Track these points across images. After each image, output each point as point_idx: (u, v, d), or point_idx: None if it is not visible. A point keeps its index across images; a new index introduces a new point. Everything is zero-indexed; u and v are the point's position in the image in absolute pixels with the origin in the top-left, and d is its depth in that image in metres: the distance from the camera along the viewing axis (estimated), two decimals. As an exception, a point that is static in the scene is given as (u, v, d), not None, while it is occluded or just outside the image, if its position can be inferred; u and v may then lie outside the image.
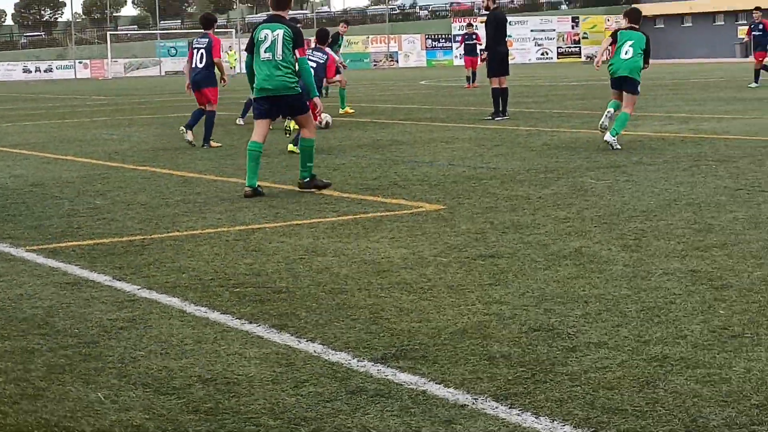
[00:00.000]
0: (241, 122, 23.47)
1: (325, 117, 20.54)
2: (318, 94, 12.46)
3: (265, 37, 12.17)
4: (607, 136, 15.93)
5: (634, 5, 18.45)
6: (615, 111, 16.16)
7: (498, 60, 23.16)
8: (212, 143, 18.71)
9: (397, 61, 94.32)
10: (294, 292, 7.30)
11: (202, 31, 19.08)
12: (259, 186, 12.23)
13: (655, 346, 5.74)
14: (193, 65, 18.71)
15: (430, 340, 6.02)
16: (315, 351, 5.87)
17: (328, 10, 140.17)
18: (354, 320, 6.48)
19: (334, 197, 11.82)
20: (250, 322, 6.50)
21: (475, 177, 13.18)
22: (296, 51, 12.10)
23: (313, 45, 21.08)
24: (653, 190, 11.60)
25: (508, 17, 24.05)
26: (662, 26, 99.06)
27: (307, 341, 6.06)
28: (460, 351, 5.78)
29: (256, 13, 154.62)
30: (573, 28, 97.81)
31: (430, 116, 24.88)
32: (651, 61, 16.60)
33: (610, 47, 17.11)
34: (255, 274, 7.89)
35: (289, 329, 6.32)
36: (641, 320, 6.28)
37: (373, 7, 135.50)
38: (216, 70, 18.77)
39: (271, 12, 12.47)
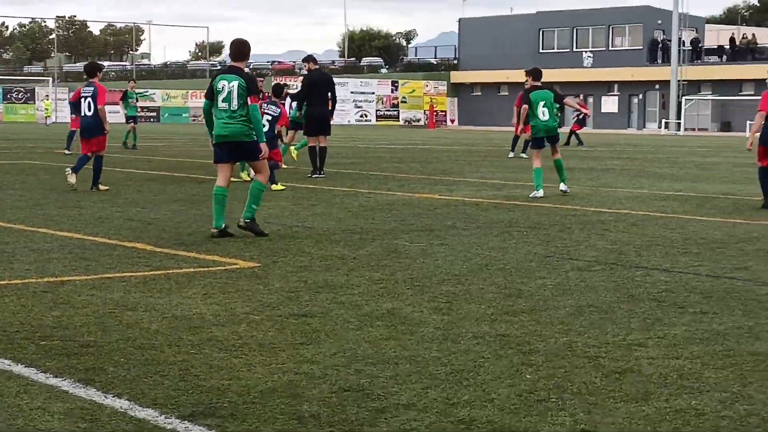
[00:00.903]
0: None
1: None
2: (265, 140, 13.25)
3: (222, 87, 12.90)
4: (561, 186, 19.58)
5: (535, 67, 20.01)
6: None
7: (313, 120, 23.38)
8: (100, 186, 19.43)
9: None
10: (102, 346, 7.16)
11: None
12: (226, 226, 12.87)
13: (462, 409, 5.80)
14: (83, 113, 19.44)
15: (240, 398, 5.97)
16: (122, 407, 5.76)
17: (149, 63, 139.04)
18: (163, 376, 6.39)
19: (147, 251, 11.67)
20: (56, 376, 6.35)
21: (290, 235, 13.18)
22: (248, 99, 12.80)
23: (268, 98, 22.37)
24: (466, 254, 11.77)
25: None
26: (479, 94, 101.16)
27: (113, 397, 5.95)
28: (269, 410, 5.74)
29: (75, 62, 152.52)
30: (392, 91, 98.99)
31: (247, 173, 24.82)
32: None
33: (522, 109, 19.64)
34: (62, 327, 7.72)
35: (96, 384, 6.19)
36: (450, 383, 6.34)
37: (194, 62, 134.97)
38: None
39: (230, 63, 13.27)
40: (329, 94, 23.95)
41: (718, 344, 7.47)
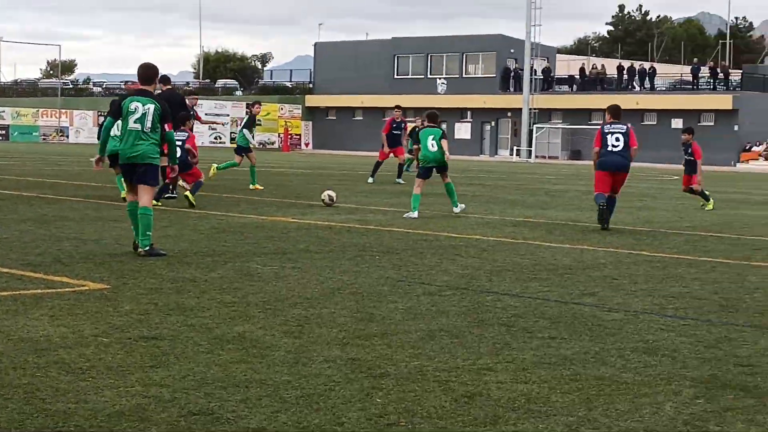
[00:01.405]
0: None
1: (328, 194, 22.89)
2: (177, 162, 14.17)
3: (135, 108, 13.26)
4: (455, 209, 21.81)
5: (432, 109, 23.05)
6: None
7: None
8: None
9: (68, 137, 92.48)
10: (-56, 369, 6.98)
11: None
12: (152, 245, 13.23)
13: (313, 433, 5.79)
14: None
15: (86, 422, 5.87)
16: (-37, 431, 5.62)
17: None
18: (7, 399, 6.25)
19: (-7, 272, 11.42)
20: None
21: (141, 257, 13.01)
22: (165, 125, 13.38)
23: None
24: (318, 278, 11.77)
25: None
26: (334, 118, 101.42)
27: (-46, 421, 5.80)
28: (117, 434, 5.66)
29: None
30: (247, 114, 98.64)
31: (100, 194, 24.48)
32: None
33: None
34: None
35: (-64, 408, 6.03)
36: (300, 406, 6.33)
37: (45, 80, 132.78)
38: None
39: (139, 87, 13.58)
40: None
41: (565, 368, 7.59)
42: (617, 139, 19.22)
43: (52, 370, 7.03)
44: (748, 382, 7.36)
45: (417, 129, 22.24)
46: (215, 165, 27.24)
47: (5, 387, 6.54)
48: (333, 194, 22.74)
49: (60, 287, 10.57)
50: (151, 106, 13.27)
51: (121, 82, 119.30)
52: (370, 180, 34.79)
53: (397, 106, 35.65)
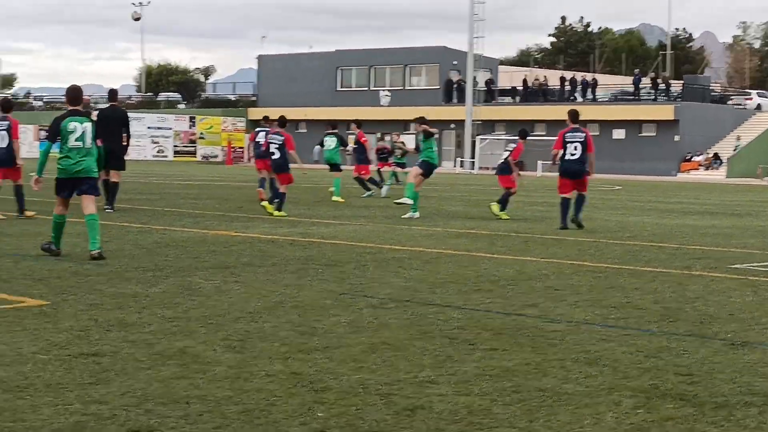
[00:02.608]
0: None
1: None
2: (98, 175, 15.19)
3: (74, 128, 14.45)
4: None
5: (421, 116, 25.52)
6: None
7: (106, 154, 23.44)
8: (26, 213, 21.58)
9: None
10: None
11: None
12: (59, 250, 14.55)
13: (253, 448, 5.76)
14: None
15: (24, 441, 5.80)
16: None
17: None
18: (-57, 419, 6.17)
19: (-69, 289, 11.27)
20: None
21: (81, 272, 12.92)
22: (97, 141, 14.66)
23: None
24: (261, 291, 11.73)
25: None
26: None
27: None
28: (55, 453, 5.60)
29: None
30: (190, 127, 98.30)
31: (38, 209, 24.25)
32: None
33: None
34: None
35: None
36: (242, 422, 6.29)
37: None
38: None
39: (71, 108, 14.65)
40: (123, 129, 23.97)
41: (507, 380, 7.60)
42: (576, 148, 21.97)
43: (-11, 389, 6.94)
44: (688, 392, 7.40)
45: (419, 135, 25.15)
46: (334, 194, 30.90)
47: (-59, 406, 6.46)
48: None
49: (-1, 304, 10.46)
50: (88, 125, 14.53)
51: (62, 95, 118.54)
52: (383, 192, 34.69)
53: (356, 122, 36.37)
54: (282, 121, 24.80)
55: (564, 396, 7.18)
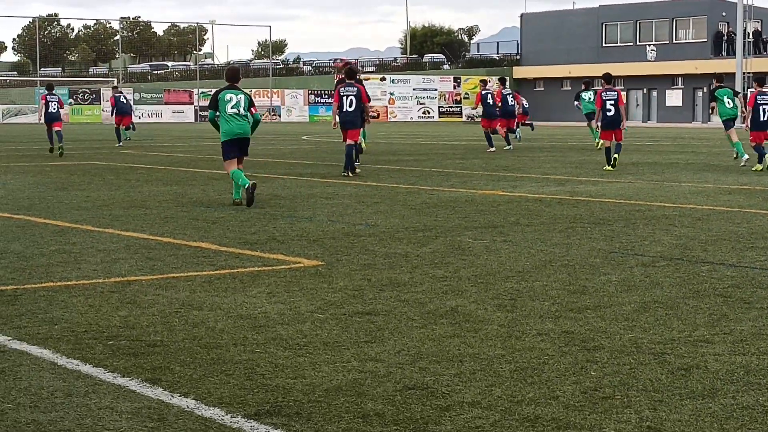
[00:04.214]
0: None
1: None
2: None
3: (230, 98, 17.04)
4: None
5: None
6: None
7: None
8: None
9: (280, 116, 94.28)
10: (168, 345, 7.23)
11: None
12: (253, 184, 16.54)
13: (527, 407, 5.80)
14: (344, 109, 22.82)
15: (305, 396, 6.00)
16: (188, 406, 5.82)
17: (212, 62, 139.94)
18: (228, 375, 6.44)
19: (212, 251, 11.75)
20: (123, 376, 6.42)
21: (354, 233, 13.22)
22: (251, 109, 17.19)
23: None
24: (529, 251, 11.75)
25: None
26: (542, 89, 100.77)
27: (180, 396, 6.00)
28: (335, 408, 5.77)
29: (138, 63, 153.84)
30: (455, 88, 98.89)
31: (311, 171, 24.91)
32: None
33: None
34: (129, 327, 7.80)
35: (163, 383, 6.25)
36: (514, 380, 6.34)
37: (256, 61, 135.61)
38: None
39: (228, 84, 17.35)
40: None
41: (785, 340, 7.40)
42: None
43: (270, 347, 7.21)
44: None
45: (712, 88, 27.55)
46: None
47: (227, 363, 6.74)
48: None
49: (276, 264, 10.81)
50: (242, 96, 17.10)
51: (330, 60, 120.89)
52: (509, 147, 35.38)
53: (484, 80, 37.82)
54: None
55: None
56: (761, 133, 25.80)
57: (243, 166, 17.26)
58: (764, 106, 25.92)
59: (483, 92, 36.00)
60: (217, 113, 17.05)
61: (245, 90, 17.73)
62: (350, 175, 22.96)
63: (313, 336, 7.52)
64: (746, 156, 27.00)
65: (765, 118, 25.80)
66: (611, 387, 6.19)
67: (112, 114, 41.99)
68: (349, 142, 22.96)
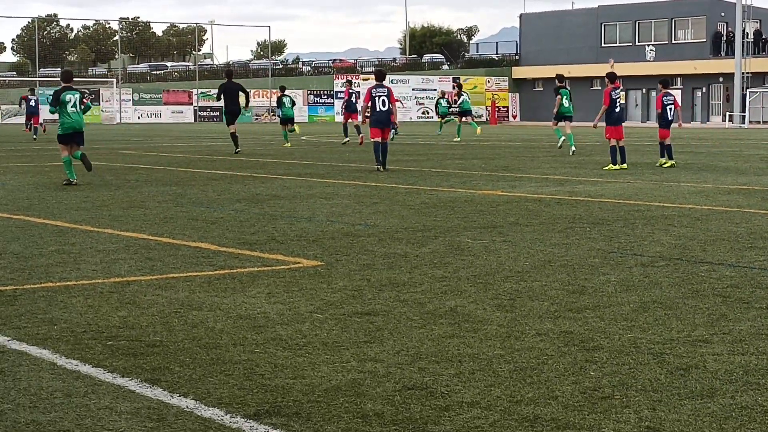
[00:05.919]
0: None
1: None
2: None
3: (69, 99, 20.44)
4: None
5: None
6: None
7: (230, 114, 33.99)
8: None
9: (279, 116, 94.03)
10: (168, 346, 7.23)
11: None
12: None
13: (526, 407, 5.80)
14: (377, 109, 24.60)
15: (304, 396, 6.00)
16: (188, 406, 5.82)
17: (212, 63, 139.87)
18: (228, 375, 6.45)
19: (212, 251, 11.76)
20: (123, 376, 6.42)
21: (353, 233, 13.22)
22: (84, 101, 21.31)
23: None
24: (528, 251, 11.75)
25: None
26: (541, 89, 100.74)
27: (179, 396, 6.01)
28: (334, 408, 5.78)
29: (138, 63, 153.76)
30: (454, 88, 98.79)
31: (310, 172, 24.93)
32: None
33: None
34: (129, 327, 7.81)
35: (162, 384, 6.26)
36: (514, 380, 6.34)
37: (256, 61, 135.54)
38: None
39: (65, 85, 21.05)
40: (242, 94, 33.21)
41: (784, 340, 7.40)
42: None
43: (269, 347, 7.21)
44: None
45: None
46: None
47: (226, 363, 6.75)
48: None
49: (275, 265, 10.82)
50: (77, 95, 20.77)
51: (330, 60, 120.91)
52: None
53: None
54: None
55: None
56: (666, 130, 28.10)
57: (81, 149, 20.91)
58: (670, 107, 28.18)
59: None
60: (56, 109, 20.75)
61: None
62: (382, 169, 24.37)
63: (313, 336, 7.53)
64: (564, 138, 31.89)
65: (671, 117, 28.27)
66: (610, 387, 6.20)
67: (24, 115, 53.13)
68: (378, 139, 24.54)
